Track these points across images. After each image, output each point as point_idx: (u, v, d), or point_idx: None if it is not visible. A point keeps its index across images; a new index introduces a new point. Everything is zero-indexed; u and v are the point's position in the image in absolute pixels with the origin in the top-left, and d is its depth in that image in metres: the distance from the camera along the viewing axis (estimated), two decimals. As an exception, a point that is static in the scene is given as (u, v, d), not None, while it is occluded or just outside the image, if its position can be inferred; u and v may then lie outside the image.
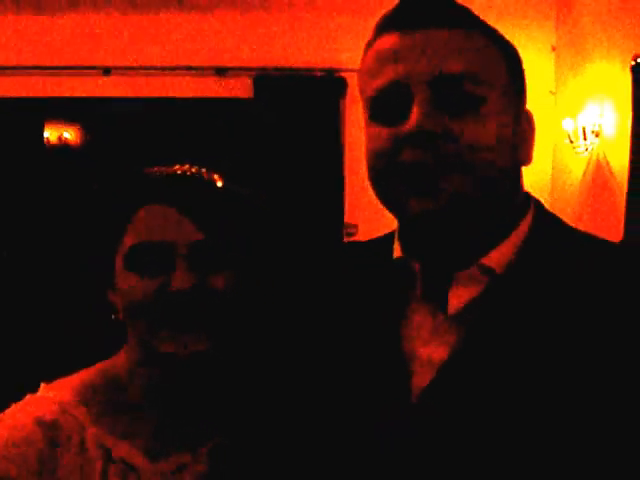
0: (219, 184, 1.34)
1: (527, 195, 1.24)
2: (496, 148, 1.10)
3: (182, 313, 1.25)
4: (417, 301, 1.20)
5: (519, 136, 1.17)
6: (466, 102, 1.09)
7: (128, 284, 1.27)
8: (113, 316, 1.33)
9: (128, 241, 1.27)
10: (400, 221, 1.24)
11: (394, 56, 1.12)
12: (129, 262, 1.27)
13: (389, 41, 1.13)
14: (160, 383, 1.33)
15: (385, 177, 1.15)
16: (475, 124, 1.09)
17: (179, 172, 1.32)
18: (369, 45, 1.18)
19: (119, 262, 1.29)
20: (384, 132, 1.13)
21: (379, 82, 1.13)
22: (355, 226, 5.66)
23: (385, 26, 1.16)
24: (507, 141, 1.13)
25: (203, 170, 1.35)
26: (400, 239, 1.24)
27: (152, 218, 1.27)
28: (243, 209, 1.36)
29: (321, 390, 1.23)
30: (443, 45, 1.10)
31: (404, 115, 1.10)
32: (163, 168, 1.34)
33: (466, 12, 1.16)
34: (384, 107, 1.14)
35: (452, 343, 1.13)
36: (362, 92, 1.19)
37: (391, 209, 1.19)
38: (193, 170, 1.33)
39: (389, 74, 1.12)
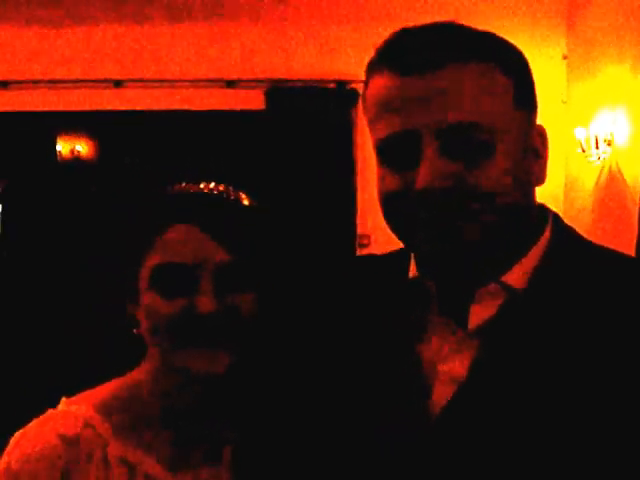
0: (245, 203, 1.33)
1: (545, 208, 1.23)
2: (509, 187, 1.09)
3: (206, 334, 1.24)
4: (435, 318, 1.20)
5: (532, 157, 1.16)
6: (476, 149, 1.07)
7: (152, 303, 1.26)
8: (135, 330, 1.32)
9: (153, 260, 1.26)
10: (416, 254, 1.24)
11: (397, 103, 1.09)
12: (154, 282, 1.26)
13: (390, 83, 1.11)
14: (181, 397, 1.32)
15: (398, 221, 1.16)
16: (487, 169, 1.07)
17: (206, 191, 1.31)
18: (370, 73, 1.16)
19: (143, 280, 1.28)
20: (394, 178, 1.13)
21: (385, 131, 1.11)
22: (367, 237, 5.65)
23: (386, 61, 1.13)
24: (520, 172, 1.12)
25: (230, 188, 1.33)
26: (416, 259, 1.24)
27: (178, 238, 1.25)
28: (266, 228, 1.35)
29: (339, 406, 1.23)
30: (448, 90, 1.06)
31: (413, 163, 1.08)
32: (189, 186, 1.32)
33: (468, 40, 1.12)
34: (392, 154, 1.12)
35: (471, 359, 1.13)
36: (367, 124, 1.18)
37: (406, 245, 1.20)
38: (220, 188, 1.32)
39: (394, 124, 1.10)
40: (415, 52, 1.09)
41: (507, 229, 1.12)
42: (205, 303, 1.23)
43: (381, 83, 1.13)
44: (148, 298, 1.27)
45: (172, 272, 1.25)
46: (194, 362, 1.25)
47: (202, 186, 1.32)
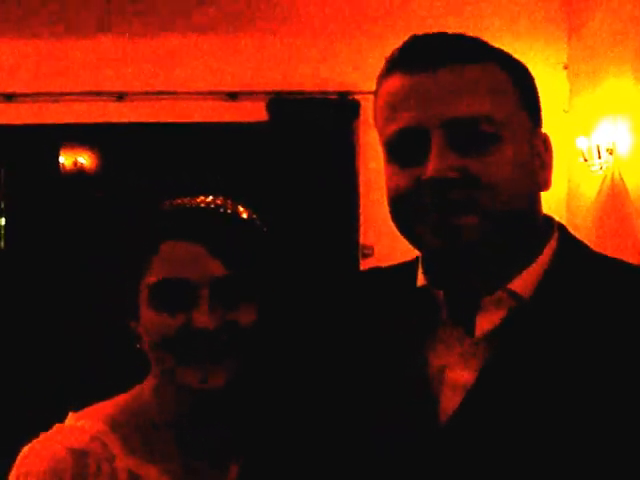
0: (243, 216, 1.32)
1: (550, 219, 1.24)
2: (514, 182, 1.11)
3: (205, 349, 1.23)
4: (442, 326, 1.20)
5: (537, 161, 1.18)
6: (483, 141, 1.10)
7: (151, 319, 1.26)
8: (138, 346, 1.32)
9: (152, 277, 1.26)
10: (423, 253, 1.25)
11: (407, 99, 1.13)
12: (152, 298, 1.26)
13: (401, 82, 1.14)
14: (185, 410, 1.32)
15: (406, 217, 1.17)
16: (493, 162, 1.10)
17: (203, 205, 1.29)
18: (381, 80, 1.19)
19: (142, 296, 1.28)
20: (403, 174, 1.14)
21: (395, 127, 1.14)
22: (371, 248, 5.65)
23: (397, 65, 1.16)
24: (525, 171, 1.14)
25: (228, 202, 1.32)
26: (423, 267, 1.25)
27: (175, 254, 1.25)
28: (265, 241, 1.34)
29: (346, 415, 1.23)
30: (456, 86, 1.10)
31: (421, 158, 1.11)
32: (187, 200, 1.31)
33: (476, 45, 1.16)
34: (401, 150, 1.15)
35: (479, 366, 1.14)
36: (379, 132, 1.20)
37: (412, 244, 1.20)
38: (218, 202, 1.30)
39: (404, 119, 1.12)
40: (425, 51, 1.14)
41: (513, 228, 1.13)
42: (203, 318, 1.22)
43: (392, 84, 1.16)
44: (147, 314, 1.27)
45: (170, 288, 1.24)
46: (194, 378, 1.24)
47: (199, 200, 1.31)
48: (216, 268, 1.24)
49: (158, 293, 1.25)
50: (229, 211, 1.31)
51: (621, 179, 4.83)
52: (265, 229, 1.35)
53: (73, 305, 5.55)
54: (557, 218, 1.26)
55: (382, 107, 1.18)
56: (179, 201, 1.32)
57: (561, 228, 1.24)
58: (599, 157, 4.99)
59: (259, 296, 1.29)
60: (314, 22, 5.80)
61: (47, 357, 5.47)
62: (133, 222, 1.36)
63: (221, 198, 1.32)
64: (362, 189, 5.65)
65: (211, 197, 1.32)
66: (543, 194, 1.22)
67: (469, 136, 1.10)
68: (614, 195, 4.93)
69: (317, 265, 5.27)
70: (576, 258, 1.20)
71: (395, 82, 1.15)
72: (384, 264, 1.42)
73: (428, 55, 1.13)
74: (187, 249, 1.24)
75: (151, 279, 1.26)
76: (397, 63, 1.16)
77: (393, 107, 1.15)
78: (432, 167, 1.09)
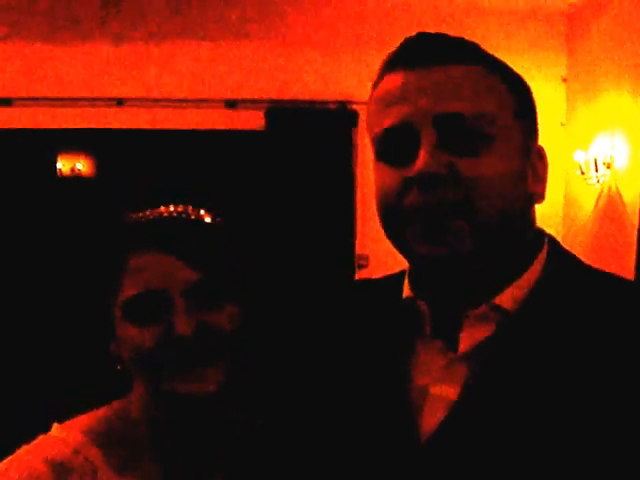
0: (207, 220, 1.33)
1: (541, 232, 1.22)
2: (504, 188, 1.09)
3: (188, 356, 1.23)
4: (427, 340, 1.19)
5: (530, 173, 1.16)
6: (473, 141, 1.08)
7: (129, 334, 1.24)
8: (119, 367, 1.31)
9: (124, 292, 1.25)
10: (410, 261, 1.23)
11: (401, 95, 1.11)
12: (128, 313, 1.25)
13: (395, 80, 1.13)
14: (171, 423, 1.31)
15: (393, 220, 1.15)
16: (482, 164, 1.08)
17: (166, 215, 1.30)
18: (376, 84, 1.18)
19: (117, 313, 1.27)
20: (391, 173, 1.13)
21: (387, 122, 1.12)
22: (366, 257, 5.65)
23: (391, 65, 1.15)
24: (516, 180, 1.12)
25: (189, 208, 1.33)
26: (410, 278, 1.24)
27: (144, 266, 1.24)
28: (234, 242, 1.35)
29: (329, 428, 1.22)
30: (449, 83, 1.09)
31: (411, 156, 1.09)
32: (148, 212, 1.31)
33: (473, 48, 1.15)
34: (391, 147, 1.13)
35: (463, 382, 1.12)
36: (370, 131, 1.19)
37: (400, 251, 1.18)
38: (179, 210, 1.31)
39: (396, 114, 1.11)
40: (419, 48, 1.13)
41: (501, 235, 1.11)
42: (181, 325, 1.21)
43: (386, 83, 1.15)
44: (125, 330, 1.26)
45: (144, 301, 1.23)
46: (182, 386, 1.23)
47: (161, 210, 1.31)
48: (187, 274, 1.24)
49: (133, 308, 1.24)
50: (192, 217, 1.32)
51: (618, 192, 4.84)
52: (231, 230, 1.35)
53: (66, 310, 5.52)
54: (554, 230, 1.25)
55: (375, 105, 1.17)
56: (140, 214, 1.32)
57: (552, 241, 1.22)
58: (596, 170, 5.00)
59: (238, 297, 1.29)
60: (313, 31, 5.81)
61: (36, 364, 5.44)
62: (96, 238, 1.35)
63: (181, 205, 1.33)
64: (359, 199, 5.65)
65: (172, 205, 1.32)
66: (540, 207, 1.21)
67: (459, 134, 1.08)
68: (611, 208, 4.94)
69: (313, 275, 5.26)
70: (565, 272, 1.17)
71: (389, 80, 1.14)
72: (380, 275, 1.42)
73: (425, 52, 1.12)
74: (155, 260, 1.24)
75: (124, 295, 1.25)
76: (392, 63, 1.15)
77: (386, 104, 1.13)
78: (421, 163, 1.07)
